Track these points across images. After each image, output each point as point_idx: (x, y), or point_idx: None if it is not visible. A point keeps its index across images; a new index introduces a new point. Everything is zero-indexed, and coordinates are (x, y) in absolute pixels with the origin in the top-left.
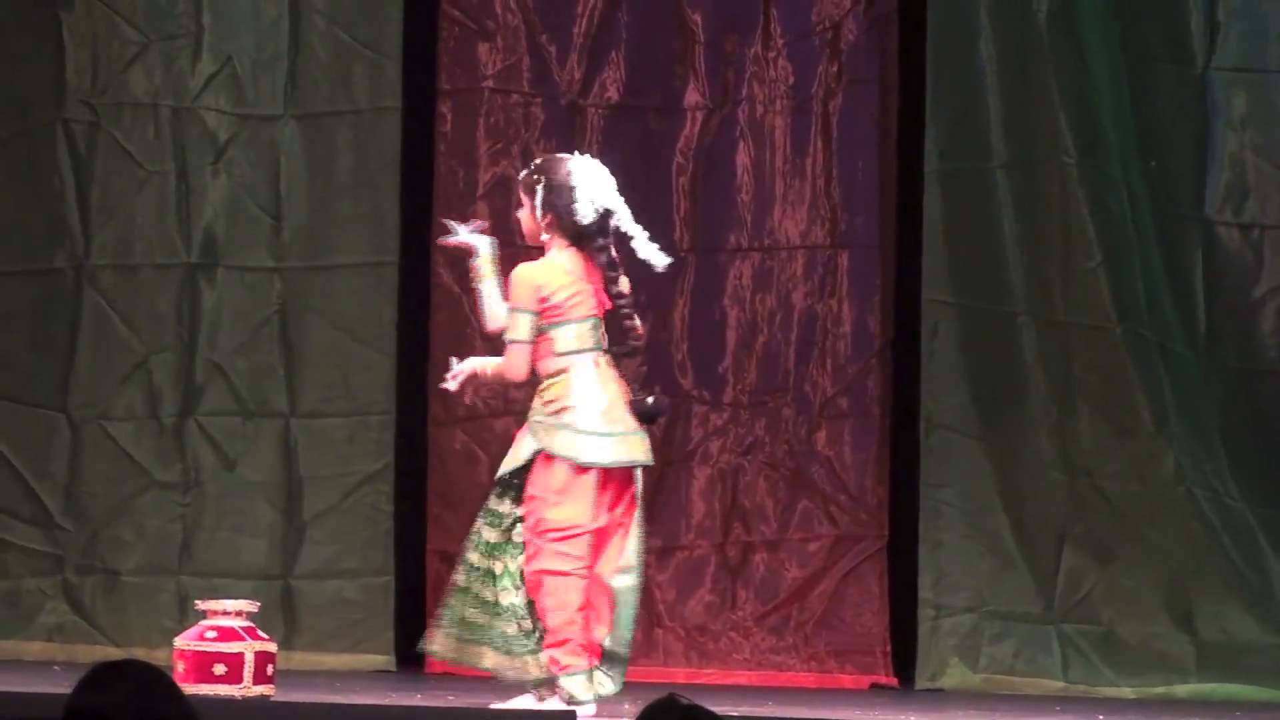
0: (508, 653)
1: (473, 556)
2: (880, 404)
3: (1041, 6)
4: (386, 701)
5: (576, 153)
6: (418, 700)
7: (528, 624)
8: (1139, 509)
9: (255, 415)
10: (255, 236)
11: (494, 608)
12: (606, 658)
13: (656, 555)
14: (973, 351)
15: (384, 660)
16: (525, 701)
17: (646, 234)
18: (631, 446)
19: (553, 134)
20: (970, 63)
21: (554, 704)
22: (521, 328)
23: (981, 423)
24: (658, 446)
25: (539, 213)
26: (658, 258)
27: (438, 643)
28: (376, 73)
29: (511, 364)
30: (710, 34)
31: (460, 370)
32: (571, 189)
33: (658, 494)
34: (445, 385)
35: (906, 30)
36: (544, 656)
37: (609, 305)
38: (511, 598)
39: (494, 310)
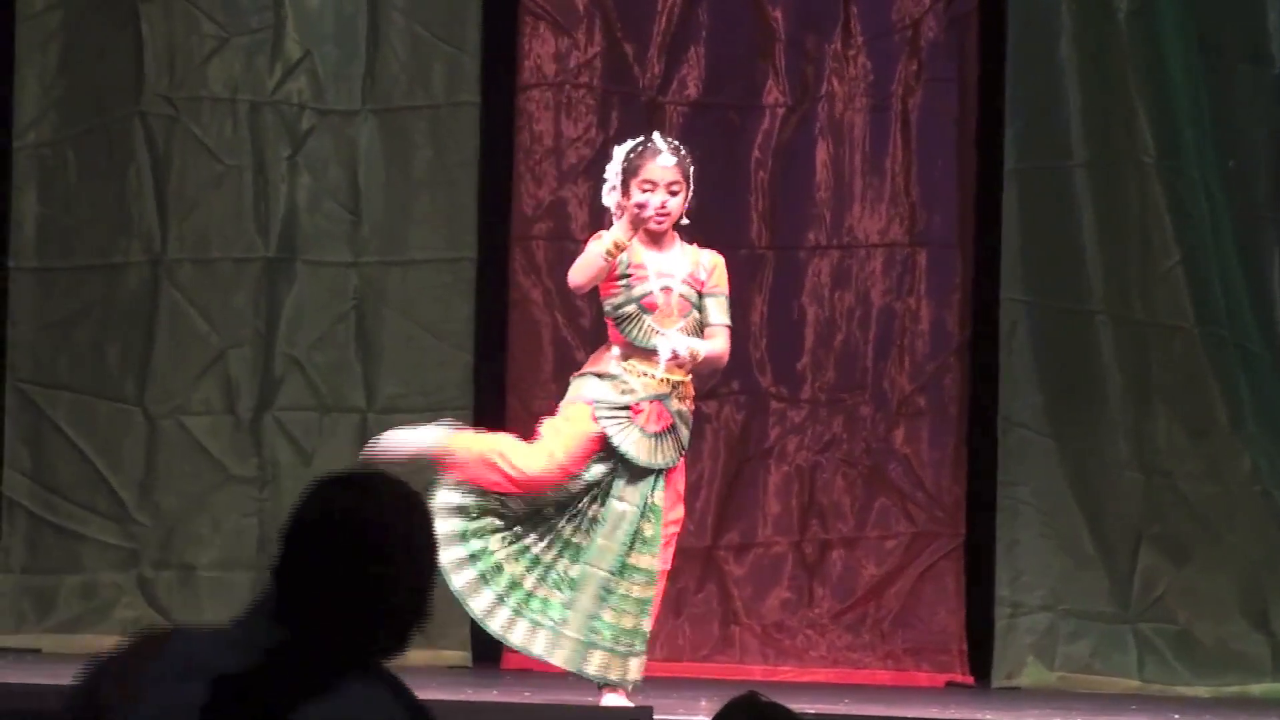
0: (612, 651)
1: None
2: (957, 402)
3: (1121, 6)
4: (463, 697)
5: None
6: (494, 696)
7: (646, 624)
8: (1215, 509)
9: (332, 410)
10: (333, 232)
11: (625, 601)
12: None
13: (734, 551)
14: (1050, 351)
15: (460, 656)
16: (616, 699)
17: None
18: None
19: (631, 130)
20: (1050, 62)
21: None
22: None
23: (1058, 422)
24: (735, 442)
25: (689, 199)
26: None
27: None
28: (455, 67)
29: (727, 350)
30: (790, 31)
31: (693, 348)
32: None
33: (735, 491)
34: (678, 363)
35: (986, 29)
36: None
37: None
38: (645, 593)
39: (599, 274)
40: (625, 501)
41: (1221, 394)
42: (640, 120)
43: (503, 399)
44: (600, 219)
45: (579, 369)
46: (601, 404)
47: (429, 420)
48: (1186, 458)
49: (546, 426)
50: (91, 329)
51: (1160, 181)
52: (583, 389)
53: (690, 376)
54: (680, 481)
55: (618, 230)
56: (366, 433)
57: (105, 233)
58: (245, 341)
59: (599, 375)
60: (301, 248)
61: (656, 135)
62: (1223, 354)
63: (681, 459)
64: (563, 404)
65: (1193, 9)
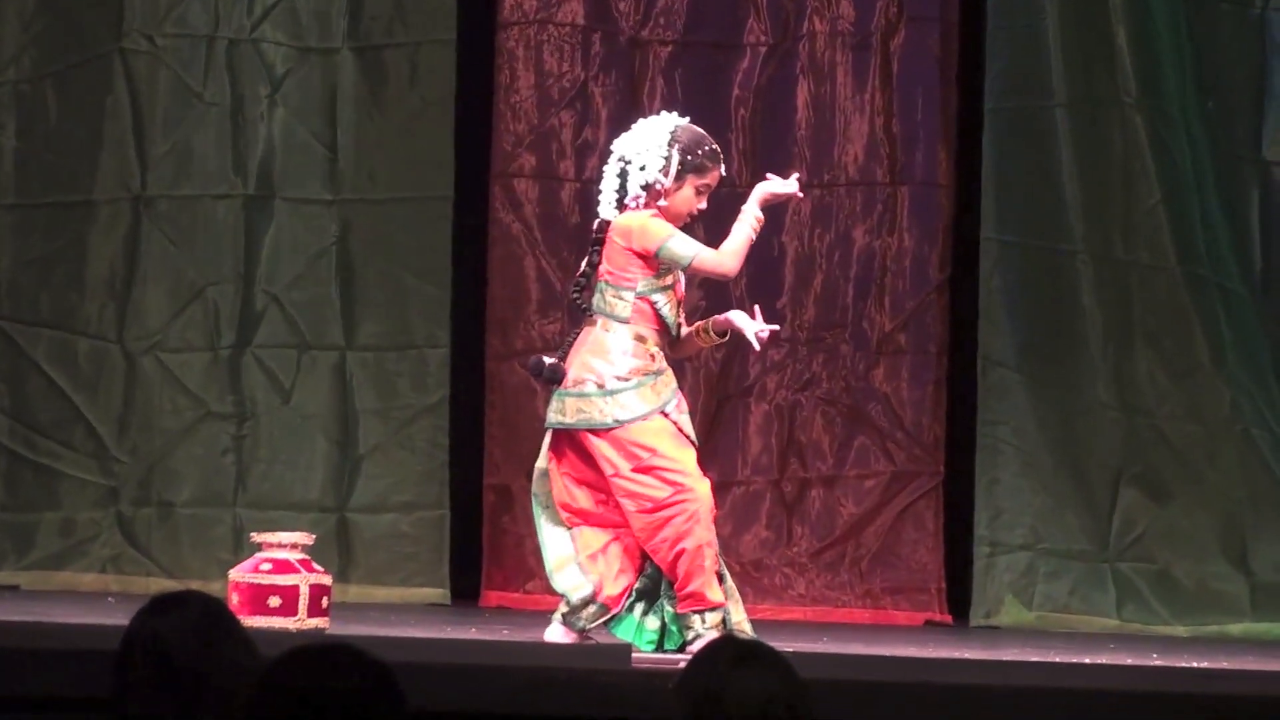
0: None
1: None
2: (938, 341)
3: None
4: (441, 635)
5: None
6: (472, 634)
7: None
8: (1196, 449)
9: (311, 348)
10: (311, 169)
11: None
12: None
13: (713, 490)
14: (1031, 290)
15: (439, 594)
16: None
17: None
18: None
19: (612, 69)
20: (1030, 1)
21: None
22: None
23: (1039, 361)
24: (714, 380)
25: None
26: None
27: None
28: (433, 5)
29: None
30: None
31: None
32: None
33: (714, 430)
34: (761, 337)
35: None
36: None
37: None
38: None
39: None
40: None
41: (1203, 333)
42: (621, 59)
43: (482, 336)
44: (582, 157)
45: (563, 310)
46: (656, 398)
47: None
48: (1167, 397)
49: (648, 461)
50: (70, 266)
51: (1142, 121)
52: (632, 401)
53: None
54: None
55: (756, 210)
56: (345, 370)
57: (84, 170)
58: (224, 279)
59: (629, 376)
60: (280, 185)
61: (708, 137)
62: (1204, 293)
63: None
64: (627, 432)
65: None
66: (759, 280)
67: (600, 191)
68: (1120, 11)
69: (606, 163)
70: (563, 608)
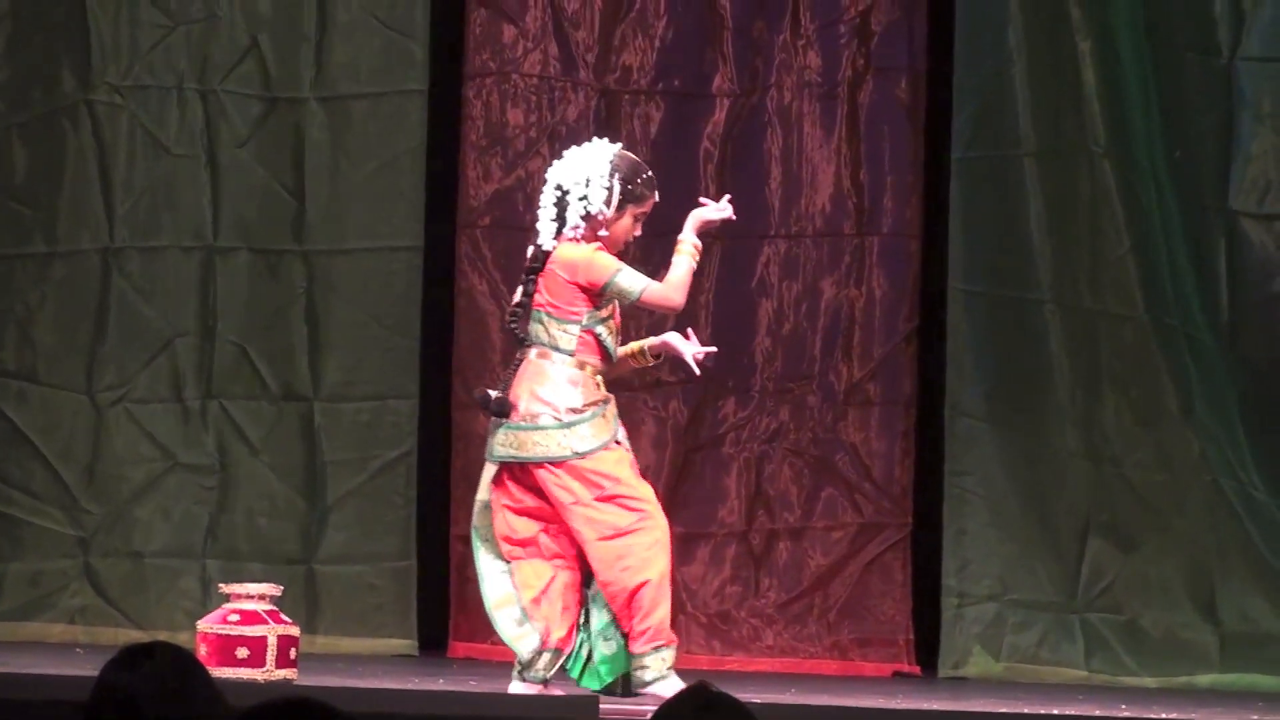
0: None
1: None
2: (905, 392)
3: None
4: (409, 686)
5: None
6: (440, 685)
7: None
8: (1164, 498)
9: (279, 399)
10: (279, 219)
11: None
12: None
13: (680, 542)
14: (999, 339)
15: (406, 645)
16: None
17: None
18: None
19: (580, 119)
20: (999, 50)
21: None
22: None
23: (1007, 410)
24: (682, 431)
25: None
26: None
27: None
28: (402, 55)
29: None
30: (739, 19)
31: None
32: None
33: (682, 481)
34: (699, 359)
35: (935, 18)
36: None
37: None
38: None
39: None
40: None
41: (1171, 382)
42: (589, 108)
43: (449, 386)
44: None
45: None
46: (609, 428)
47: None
48: (1135, 446)
49: (610, 490)
50: (38, 317)
51: (1111, 170)
52: (588, 433)
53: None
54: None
55: (694, 238)
56: (313, 421)
57: (52, 221)
58: (192, 330)
59: (584, 409)
60: (248, 236)
61: (643, 164)
62: (1172, 342)
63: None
64: (587, 461)
65: None
66: (728, 331)
67: (537, 220)
68: (1088, 60)
69: (542, 192)
70: (517, 665)
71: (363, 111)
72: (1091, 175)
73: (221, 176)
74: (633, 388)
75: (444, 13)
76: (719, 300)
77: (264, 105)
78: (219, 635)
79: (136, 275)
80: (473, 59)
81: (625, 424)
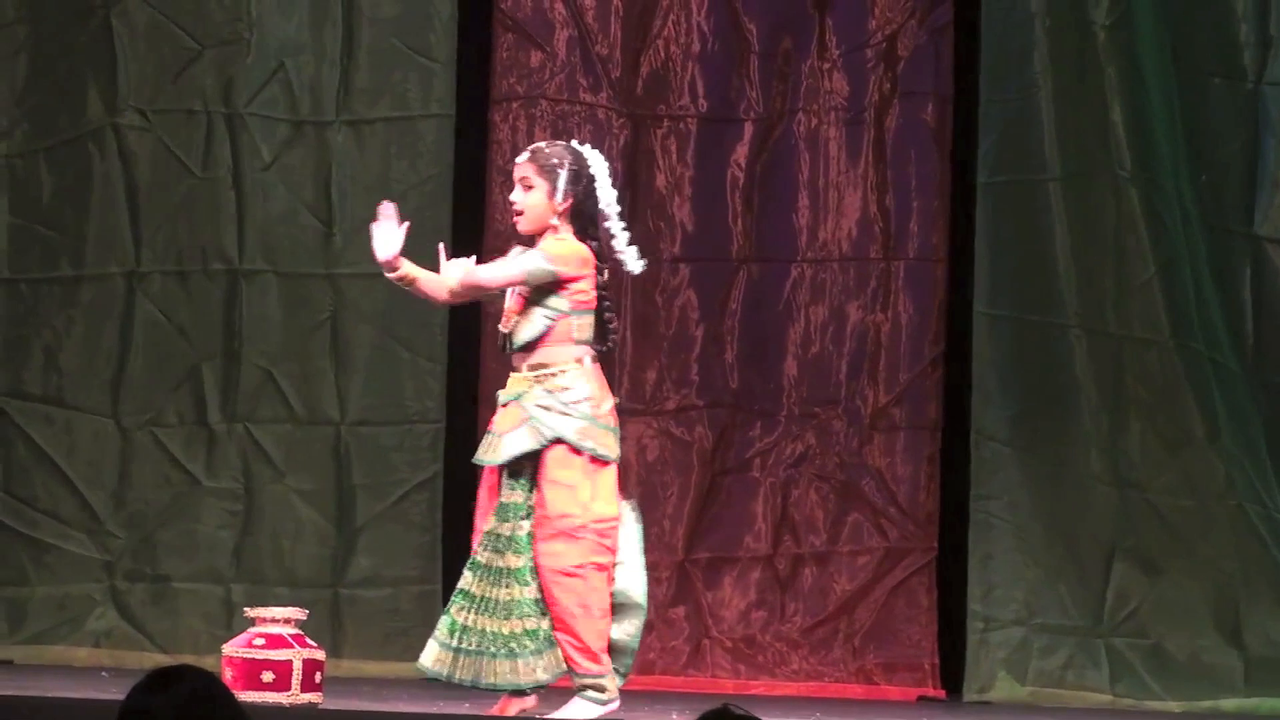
0: (511, 656)
1: (483, 557)
2: (931, 416)
3: (1096, 19)
4: (434, 710)
5: (588, 145)
6: (465, 709)
7: (533, 622)
8: (1189, 523)
9: (305, 423)
10: (306, 243)
11: (504, 608)
12: (615, 651)
13: (706, 566)
14: (1024, 364)
15: None
16: (578, 709)
17: (628, 234)
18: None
19: (606, 143)
20: (1024, 75)
21: (575, 708)
22: (537, 280)
23: (1032, 435)
24: (709, 456)
25: (559, 197)
26: (634, 262)
27: (430, 658)
28: (428, 79)
29: (481, 277)
30: (766, 44)
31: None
32: (592, 177)
33: (708, 505)
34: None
35: (961, 42)
36: (554, 661)
37: None
38: (521, 594)
39: (437, 289)
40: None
41: (1197, 407)
42: (615, 133)
43: (475, 411)
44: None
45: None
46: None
47: (400, 430)
48: (1160, 471)
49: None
50: (65, 341)
51: (1137, 194)
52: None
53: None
54: (556, 475)
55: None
56: (340, 445)
57: (79, 245)
58: (218, 354)
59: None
60: (275, 260)
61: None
62: (1198, 367)
63: (544, 450)
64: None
65: (1167, 23)
66: (754, 355)
67: (614, 236)
68: (1114, 85)
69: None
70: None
71: (389, 136)
72: (1117, 200)
73: (247, 200)
74: (660, 413)
75: (471, 37)
76: (745, 324)
77: (290, 129)
78: (244, 659)
79: (162, 299)
80: (499, 83)
81: (651, 448)
